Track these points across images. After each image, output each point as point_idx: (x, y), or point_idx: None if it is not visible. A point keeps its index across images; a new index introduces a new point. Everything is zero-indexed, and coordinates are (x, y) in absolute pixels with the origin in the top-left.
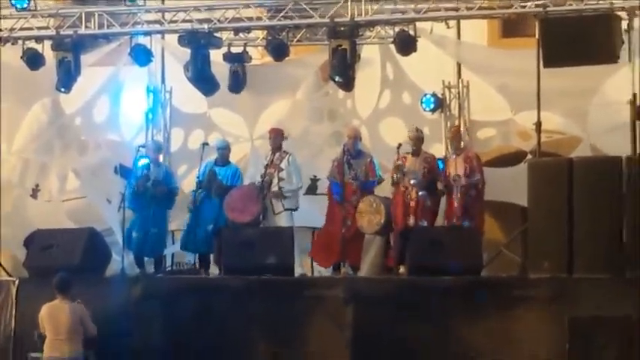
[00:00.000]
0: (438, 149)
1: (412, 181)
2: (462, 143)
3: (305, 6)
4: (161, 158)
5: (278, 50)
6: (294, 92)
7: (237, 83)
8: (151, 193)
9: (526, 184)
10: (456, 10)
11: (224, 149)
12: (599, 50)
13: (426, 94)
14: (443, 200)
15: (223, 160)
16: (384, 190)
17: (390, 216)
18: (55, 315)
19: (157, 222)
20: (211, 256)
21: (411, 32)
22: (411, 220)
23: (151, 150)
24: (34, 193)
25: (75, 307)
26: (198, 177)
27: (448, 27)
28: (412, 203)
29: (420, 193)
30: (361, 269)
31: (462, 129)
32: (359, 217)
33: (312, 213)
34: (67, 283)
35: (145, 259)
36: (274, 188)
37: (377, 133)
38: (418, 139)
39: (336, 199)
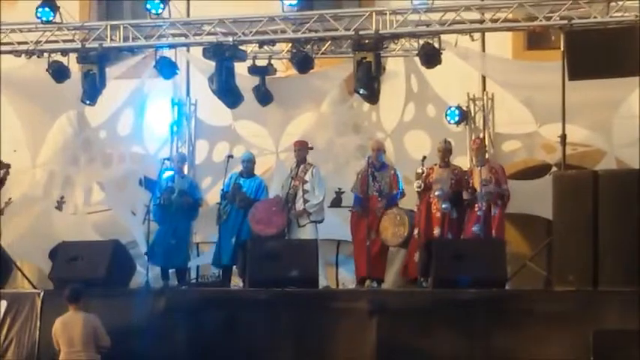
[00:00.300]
0: (462, 162)
1: (437, 193)
2: (487, 155)
3: (329, 19)
4: (186, 170)
5: (303, 63)
6: (318, 105)
7: (265, 96)
8: (175, 205)
9: (551, 197)
10: (481, 22)
11: (249, 162)
12: (624, 63)
13: (450, 107)
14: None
15: (248, 172)
16: (408, 202)
17: (414, 228)
18: (69, 326)
19: (180, 234)
20: (234, 268)
21: (436, 45)
22: (437, 232)
23: (175, 161)
24: (59, 204)
25: (89, 318)
26: (222, 189)
27: (473, 39)
28: (438, 214)
29: (443, 205)
30: (386, 282)
31: (486, 141)
32: (383, 230)
33: (336, 225)
34: (79, 293)
35: (170, 271)
36: (299, 201)
37: (402, 145)
38: (447, 151)
39: (357, 211)
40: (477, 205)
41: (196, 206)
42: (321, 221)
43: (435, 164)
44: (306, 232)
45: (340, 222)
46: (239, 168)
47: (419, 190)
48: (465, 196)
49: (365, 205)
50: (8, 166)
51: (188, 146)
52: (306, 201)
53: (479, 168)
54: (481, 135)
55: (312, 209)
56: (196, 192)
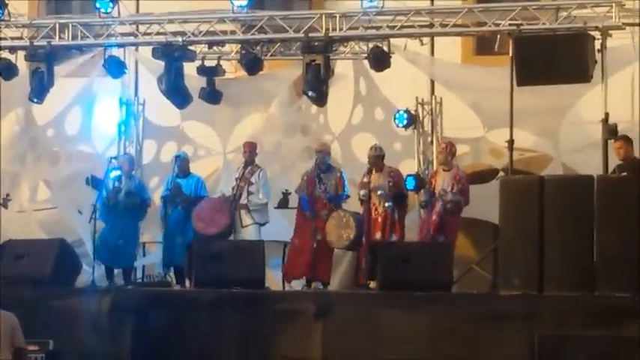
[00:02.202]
0: (410, 165)
1: (379, 192)
2: (453, 160)
3: (279, 21)
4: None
5: (252, 64)
6: (267, 106)
7: (213, 96)
8: (122, 205)
9: (498, 202)
10: (430, 26)
11: (183, 160)
12: (572, 69)
13: (399, 111)
14: (414, 215)
15: (184, 171)
16: (353, 206)
17: (361, 230)
18: None
19: (127, 234)
20: None
21: (385, 48)
22: (378, 235)
23: (124, 162)
24: (5, 202)
25: (7, 316)
26: (164, 193)
27: (422, 44)
28: (379, 219)
29: (386, 204)
30: (331, 284)
31: (433, 145)
32: (328, 232)
33: (283, 227)
34: None
35: (115, 271)
36: (243, 202)
37: (349, 148)
38: (377, 157)
39: (305, 213)
40: (433, 210)
41: (144, 206)
42: (263, 224)
43: (370, 171)
44: (249, 233)
45: (286, 223)
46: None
47: (364, 198)
48: (422, 197)
49: (313, 207)
50: None
51: (136, 146)
52: (249, 201)
53: (443, 172)
54: (429, 139)
55: (254, 207)
56: (144, 192)
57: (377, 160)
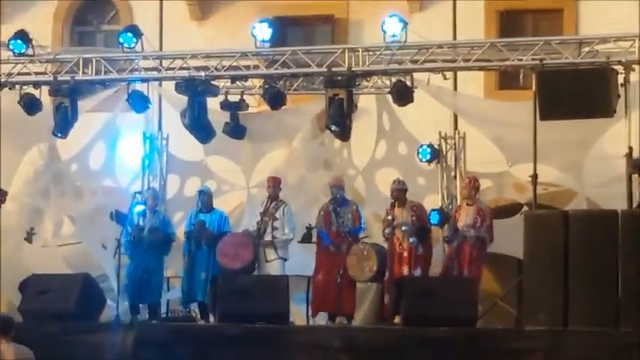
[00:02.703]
0: (434, 200)
1: (403, 228)
2: (476, 195)
3: (302, 55)
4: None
5: (275, 99)
6: (290, 141)
7: (236, 130)
8: (146, 242)
9: (522, 236)
10: (453, 61)
11: (206, 195)
12: (595, 104)
13: (422, 145)
14: (439, 249)
15: (207, 206)
16: (378, 241)
17: (383, 261)
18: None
19: (152, 269)
20: None
21: (408, 83)
22: (405, 270)
23: (149, 197)
24: (29, 236)
25: (21, 350)
26: (187, 228)
27: (445, 78)
28: (405, 253)
29: (410, 239)
30: (355, 319)
31: (477, 181)
32: (350, 267)
33: (306, 261)
34: (9, 324)
35: (140, 305)
36: (267, 237)
37: (373, 183)
38: (400, 191)
39: (327, 247)
40: (456, 245)
41: (169, 241)
42: (286, 259)
43: (393, 205)
44: (273, 268)
45: (310, 258)
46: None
47: (389, 235)
48: (446, 232)
49: (335, 243)
50: (6, 193)
51: (159, 180)
52: (274, 238)
53: (467, 207)
54: (452, 174)
55: (279, 244)
56: (168, 227)
57: (400, 193)
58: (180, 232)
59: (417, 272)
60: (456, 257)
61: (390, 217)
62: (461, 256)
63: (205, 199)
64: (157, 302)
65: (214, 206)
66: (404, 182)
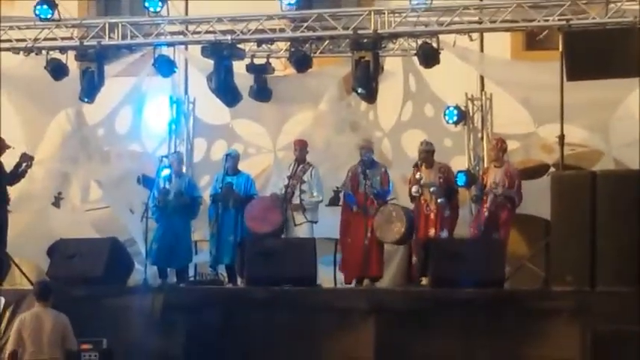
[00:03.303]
0: (460, 161)
1: (432, 189)
2: (504, 156)
3: (328, 18)
4: (184, 169)
5: (301, 62)
6: (316, 104)
7: (262, 93)
8: (172, 206)
9: (549, 197)
10: (480, 22)
11: (233, 157)
12: (622, 64)
13: (448, 107)
14: (466, 211)
15: (234, 169)
16: (404, 203)
17: (412, 224)
18: (37, 324)
19: (180, 233)
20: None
21: (434, 44)
22: (432, 232)
23: (174, 161)
24: (57, 201)
25: (59, 317)
26: (213, 191)
27: (471, 39)
28: (432, 215)
29: (439, 200)
30: (384, 280)
31: (504, 143)
32: (377, 228)
33: (334, 224)
34: (49, 290)
35: (168, 269)
36: (295, 200)
37: (399, 145)
38: (428, 152)
39: (352, 209)
40: (485, 205)
41: (196, 205)
42: (316, 222)
43: (420, 165)
44: (302, 231)
45: (338, 220)
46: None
47: (417, 194)
48: (474, 191)
49: (360, 203)
50: (32, 158)
51: (186, 144)
52: (302, 201)
53: (495, 169)
54: (479, 135)
55: (309, 206)
56: (195, 191)
57: (427, 155)
58: (206, 195)
59: (444, 234)
60: (485, 219)
61: (417, 177)
62: (489, 218)
63: (232, 161)
64: (185, 266)
65: (241, 169)
66: (431, 144)
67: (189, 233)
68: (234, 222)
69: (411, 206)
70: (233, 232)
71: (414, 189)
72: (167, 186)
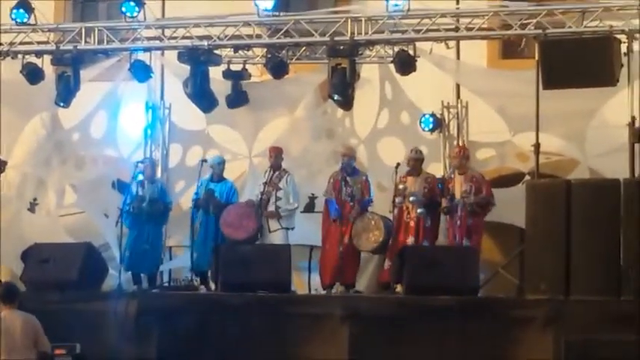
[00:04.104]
0: (436, 169)
1: (411, 199)
2: (467, 164)
3: (305, 24)
4: (159, 173)
5: (277, 68)
6: (292, 110)
7: (237, 100)
8: (146, 213)
9: (524, 206)
10: (456, 30)
11: (220, 164)
12: (598, 73)
13: (424, 114)
14: (443, 220)
15: (219, 175)
16: (378, 210)
17: (390, 234)
18: (8, 328)
19: (151, 239)
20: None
21: (411, 52)
22: (411, 240)
23: (147, 167)
24: (32, 207)
25: (28, 318)
26: (195, 195)
27: (448, 47)
28: (412, 223)
29: (418, 210)
30: (358, 287)
31: (467, 150)
32: (355, 235)
33: (309, 231)
34: (13, 292)
35: (142, 275)
36: (271, 207)
37: (375, 152)
38: (417, 160)
39: (334, 216)
40: (456, 215)
41: (166, 211)
42: (292, 229)
43: (409, 173)
44: (276, 238)
45: (313, 227)
46: (208, 173)
47: (399, 205)
48: (444, 203)
49: (341, 211)
50: (5, 163)
51: (162, 150)
52: (277, 208)
53: (456, 176)
54: (455, 143)
55: (284, 213)
56: (166, 196)
57: (416, 163)
58: (184, 201)
59: (424, 244)
60: (456, 227)
61: (401, 187)
62: (462, 226)
63: (219, 168)
64: (155, 272)
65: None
66: (421, 152)
67: (161, 239)
68: (214, 228)
69: (390, 215)
70: (214, 239)
71: (397, 200)
72: (140, 192)
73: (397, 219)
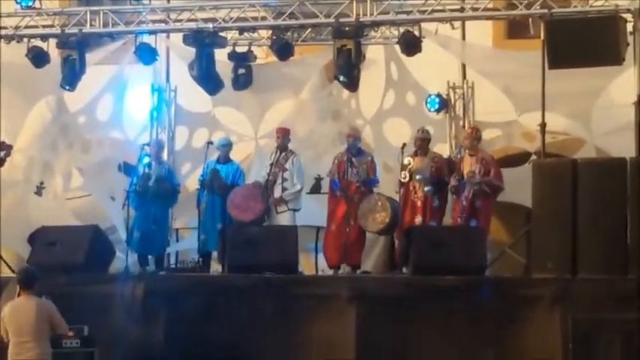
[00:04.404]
0: (442, 149)
1: (418, 177)
2: (478, 145)
3: (310, 6)
4: (165, 156)
5: (283, 50)
6: (298, 92)
7: (242, 82)
8: (152, 192)
9: (530, 185)
10: (461, 10)
11: (226, 146)
12: (604, 52)
13: (430, 95)
14: (450, 200)
15: (225, 157)
16: (385, 191)
17: (397, 215)
18: (20, 313)
19: (158, 220)
20: (213, 254)
21: (416, 33)
22: (418, 220)
23: (153, 148)
24: (39, 190)
25: (43, 304)
26: (200, 177)
27: (453, 28)
28: (419, 202)
29: (425, 188)
30: (365, 267)
31: (478, 131)
32: (361, 216)
33: (315, 212)
34: (33, 277)
35: (149, 257)
36: (277, 188)
37: (381, 133)
38: (424, 140)
39: (337, 194)
40: (463, 195)
41: (174, 192)
42: (298, 210)
43: (415, 153)
44: (284, 220)
45: (319, 208)
46: (216, 155)
47: (404, 180)
48: (452, 182)
49: (344, 190)
50: (11, 147)
51: (168, 132)
52: (284, 189)
53: (469, 157)
54: (461, 123)
55: (289, 197)
56: (174, 178)
57: (423, 143)
58: (190, 183)
59: (432, 223)
60: (463, 207)
61: (406, 162)
62: (469, 206)
63: (225, 150)
64: (162, 253)
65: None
66: (428, 132)
67: (167, 221)
68: (220, 209)
69: (396, 195)
70: (221, 220)
71: (402, 174)
72: (147, 171)
73: (403, 198)
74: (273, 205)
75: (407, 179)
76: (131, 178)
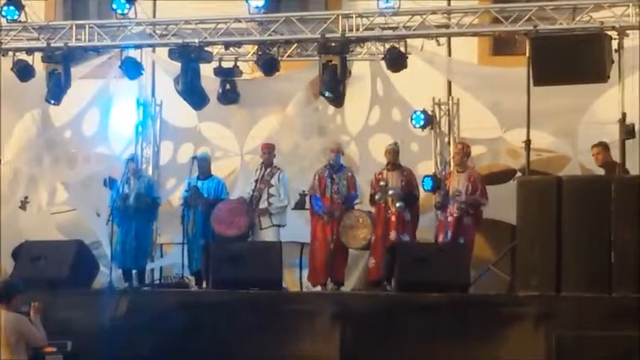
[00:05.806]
0: (427, 166)
1: (390, 192)
2: (468, 161)
3: (296, 21)
4: (150, 170)
5: (268, 65)
6: (284, 107)
7: (229, 97)
8: (133, 208)
9: (515, 202)
10: (447, 27)
11: (204, 160)
12: (589, 69)
13: (415, 111)
14: (431, 216)
15: (204, 172)
16: (368, 207)
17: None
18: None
19: (139, 235)
20: None
21: (402, 49)
22: (393, 235)
23: (131, 163)
24: (23, 204)
25: (14, 318)
26: (185, 192)
27: (439, 44)
28: (393, 218)
29: (397, 204)
30: (347, 285)
31: (468, 148)
32: (343, 232)
33: (300, 228)
34: (9, 291)
35: (134, 272)
36: (263, 204)
37: (366, 149)
38: (394, 152)
39: (317, 212)
40: (448, 211)
41: (155, 206)
42: (283, 226)
43: (384, 168)
44: (268, 236)
45: (304, 224)
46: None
47: (378, 201)
48: (437, 198)
49: (327, 208)
50: None
51: (153, 147)
52: (270, 204)
53: (458, 174)
54: (446, 139)
55: (275, 210)
56: (153, 192)
57: (394, 155)
58: (174, 198)
59: (405, 238)
60: (447, 223)
61: (382, 183)
62: (454, 223)
63: (204, 165)
64: (144, 268)
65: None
66: (397, 143)
67: (150, 236)
68: (203, 226)
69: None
70: (203, 236)
71: (377, 196)
72: (126, 189)
73: (377, 215)
74: (257, 215)
75: (381, 199)
76: (111, 195)
